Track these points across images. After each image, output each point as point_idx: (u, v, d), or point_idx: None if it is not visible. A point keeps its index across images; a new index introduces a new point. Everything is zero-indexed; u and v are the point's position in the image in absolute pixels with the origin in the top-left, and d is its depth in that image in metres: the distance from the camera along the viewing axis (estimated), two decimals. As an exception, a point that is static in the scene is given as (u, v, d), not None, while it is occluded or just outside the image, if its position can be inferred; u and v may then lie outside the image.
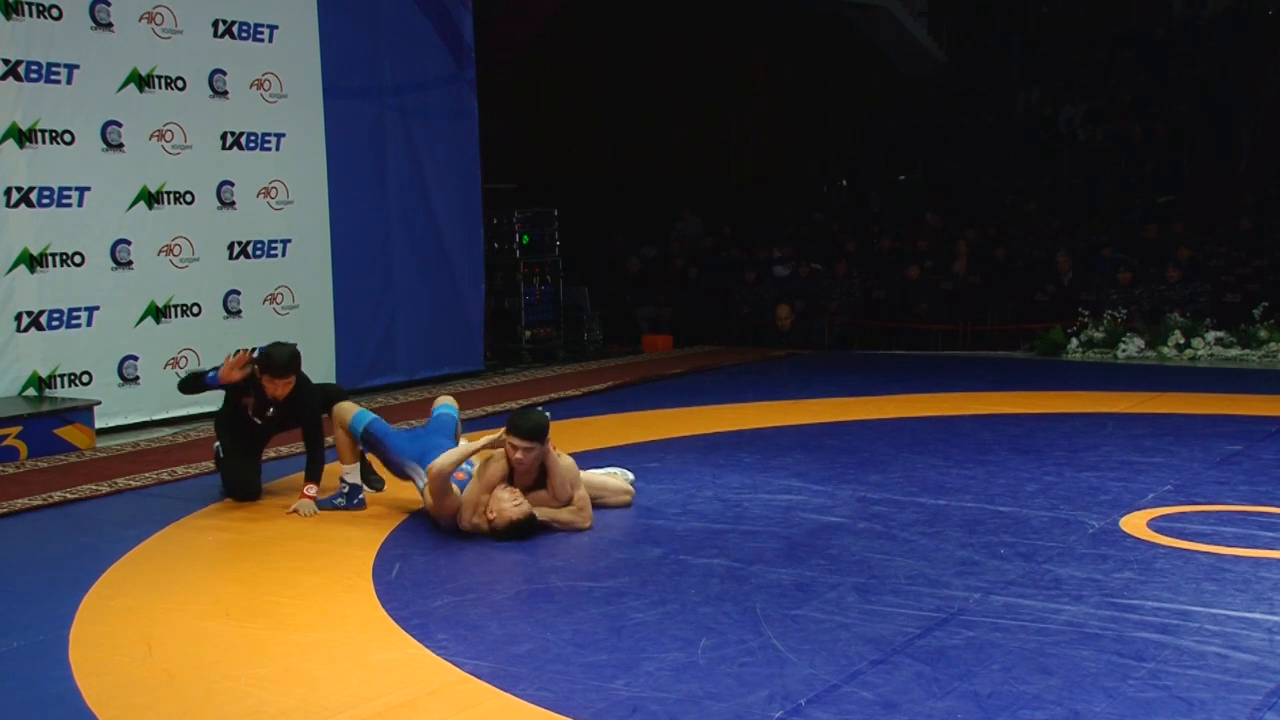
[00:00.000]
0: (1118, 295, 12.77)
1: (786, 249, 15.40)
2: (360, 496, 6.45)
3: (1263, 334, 11.60)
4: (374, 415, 6.39)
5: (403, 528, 6.05)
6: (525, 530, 5.69)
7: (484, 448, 5.85)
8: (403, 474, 6.23)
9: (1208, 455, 7.20)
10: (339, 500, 6.41)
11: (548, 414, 6.02)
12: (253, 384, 6.57)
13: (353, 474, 6.44)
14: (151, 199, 9.24)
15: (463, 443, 6.13)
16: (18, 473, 7.57)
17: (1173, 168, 15.88)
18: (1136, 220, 14.72)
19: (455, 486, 5.82)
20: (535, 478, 5.90)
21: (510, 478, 5.83)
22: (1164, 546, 5.38)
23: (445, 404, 6.58)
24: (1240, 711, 3.65)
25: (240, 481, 6.70)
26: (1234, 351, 11.55)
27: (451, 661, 4.19)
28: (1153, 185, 15.69)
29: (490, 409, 9.54)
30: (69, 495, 6.89)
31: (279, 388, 6.47)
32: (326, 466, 6.57)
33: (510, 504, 5.69)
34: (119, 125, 9.01)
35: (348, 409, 6.42)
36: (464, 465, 5.89)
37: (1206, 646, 4.17)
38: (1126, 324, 12.19)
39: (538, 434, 5.78)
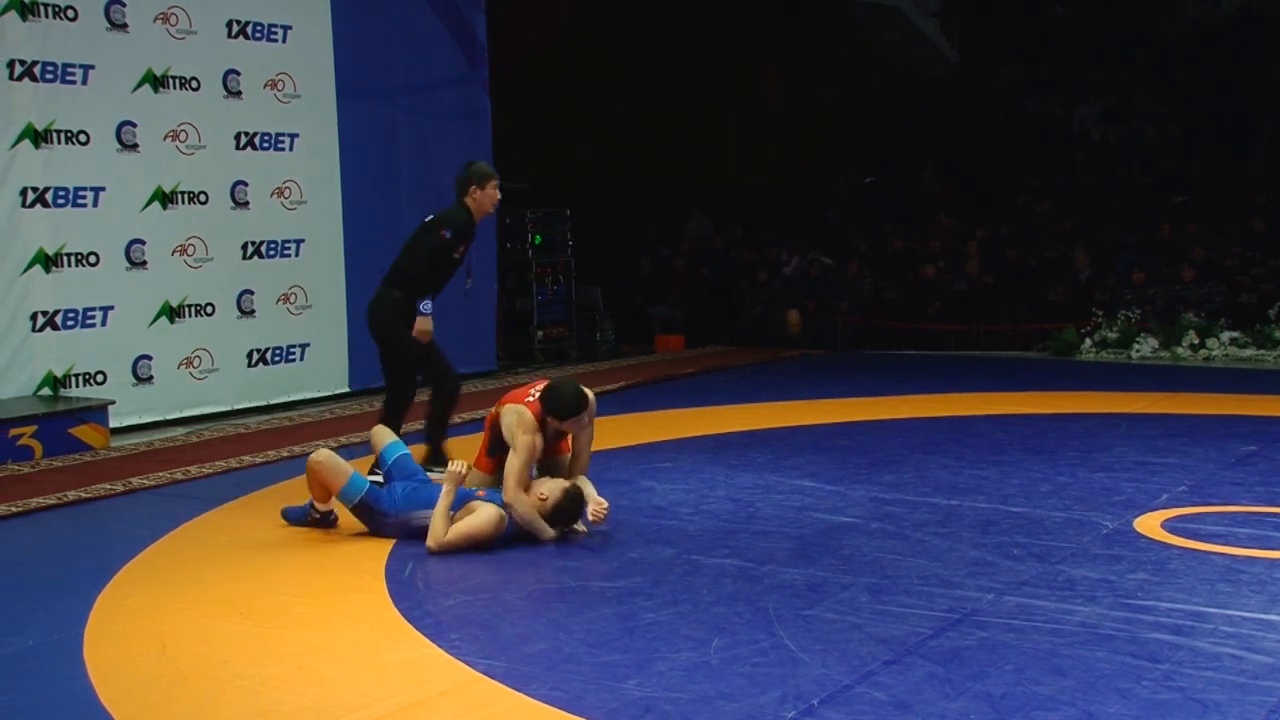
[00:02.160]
0: (1132, 295, 12.73)
1: (796, 250, 15.39)
2: (318, 515, 6.07)
3: (1278, 334, 11.56)
4: (369, 481, 5.85)
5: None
6: (578, 499, 5.63)
7: (450, 485, 5.58)
8: (411, 529, 5.69)
9: (1222, 456, 7.17)
10: (297, 515, 6.10)
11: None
12: (466, 225, 6.88)
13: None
14: (166, 199, 9.27)
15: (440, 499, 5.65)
16: (33, 472, 7.60)
17: (1186, 168, 15.81)
18: (1150, 220, 14.66)
19: (475, 504, 5.63)
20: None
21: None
22: (1178, 547, 5.36)
23: (393, 442, 6.13)
24: (1255, 713, 3.63)
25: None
26: (1249, 352, 11.51)
27: (464, 661, 4.19)
28: (1166, 185, 15.62)
29: (502, 409, 9.54)
30: (83, 494, 6.92)
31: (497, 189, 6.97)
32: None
33: (551, 484, 5.67)
34: (134, 125, 9.05)
35: (342, 474, 5.81)
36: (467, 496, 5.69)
37: (1221, 648, 4.15)
38: (1140, 324, 12.15)
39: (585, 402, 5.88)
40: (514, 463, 5.65)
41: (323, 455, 5.85)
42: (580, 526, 5.81)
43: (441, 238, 6.78)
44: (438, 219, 6.95)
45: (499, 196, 7.00)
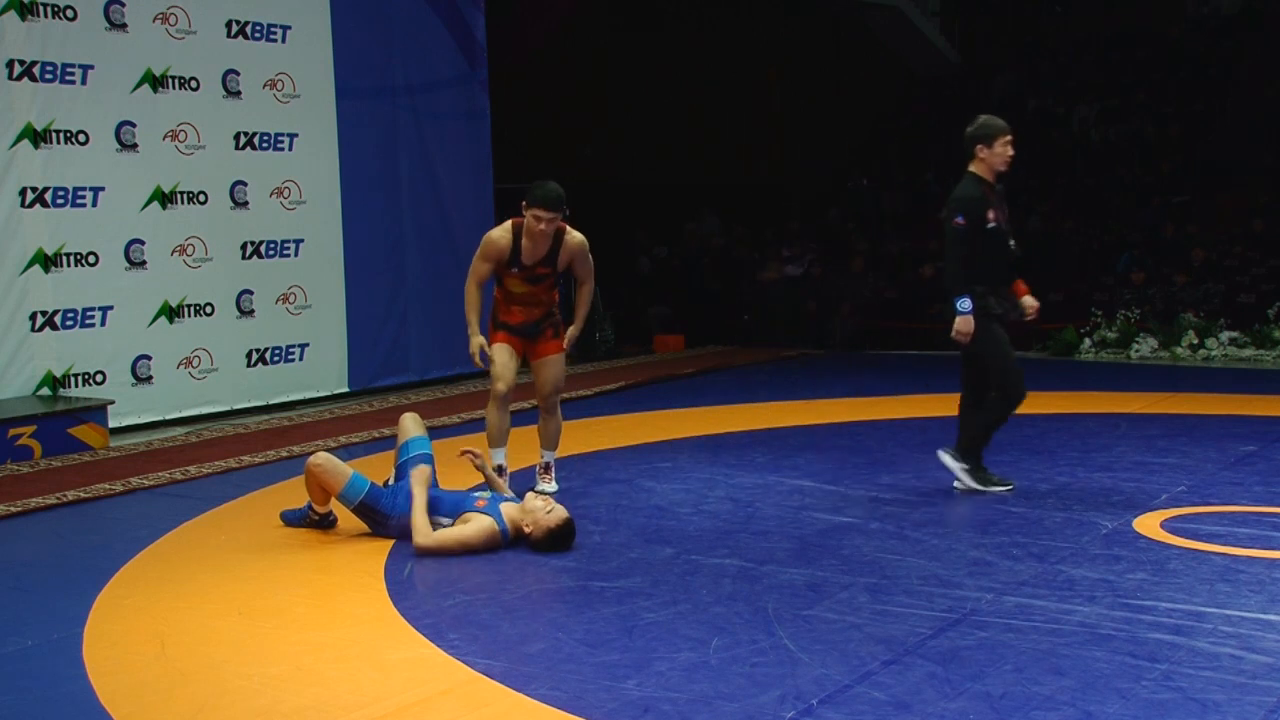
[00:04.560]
0: (1131, 295, 12.73)
1: (796, 248, 15.39)
2: (317, 517, 6.04)
3: (1277, 334, 11.56)
4: (369, 482, 5.80)
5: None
6: (566, 537, 5.51)
7: (418, 487, 5.63)
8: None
9: (1222, 456, 7.17)
10: (295, 517, 6.09)
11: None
12: (973, 200, 6.26)
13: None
14: (165, 199, 9.27)
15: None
16: (32, 472, 7.60)
17: (1187, 168, 15.82)
18: (1152, 220, 14.67)
19: (471, 515, 5.61)
20: (548, 249, 6.39)
21: (518, 253, 6.36)
22: (1177, 547, 5.36)
23: (418, 437, 6.01)
24: (1254, 713, 3.63)
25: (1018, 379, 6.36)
26: (1248, 352, 11.52)
27: (463, 661, 4.19)
28: (1167, 185, 15.64)
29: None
30: (83, 494, 6.92)
31: (1009, 145, 6.32)
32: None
33: (544, 512, 5.50)
34: (133, 125, 9.05)
35: (342, 476, 5.77)
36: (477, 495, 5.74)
37: (1220, 648, 4.15)
38: (1140, 324, 12.15)
39: (559, 203, 6.22)
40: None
41: (321, 458, 5.82)
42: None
43: (955, 227, 6.26)
44: (947, 204, 6.38)
45: (1010, 154, 6.29)
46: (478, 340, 6.51)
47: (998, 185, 6.37)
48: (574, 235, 6.48)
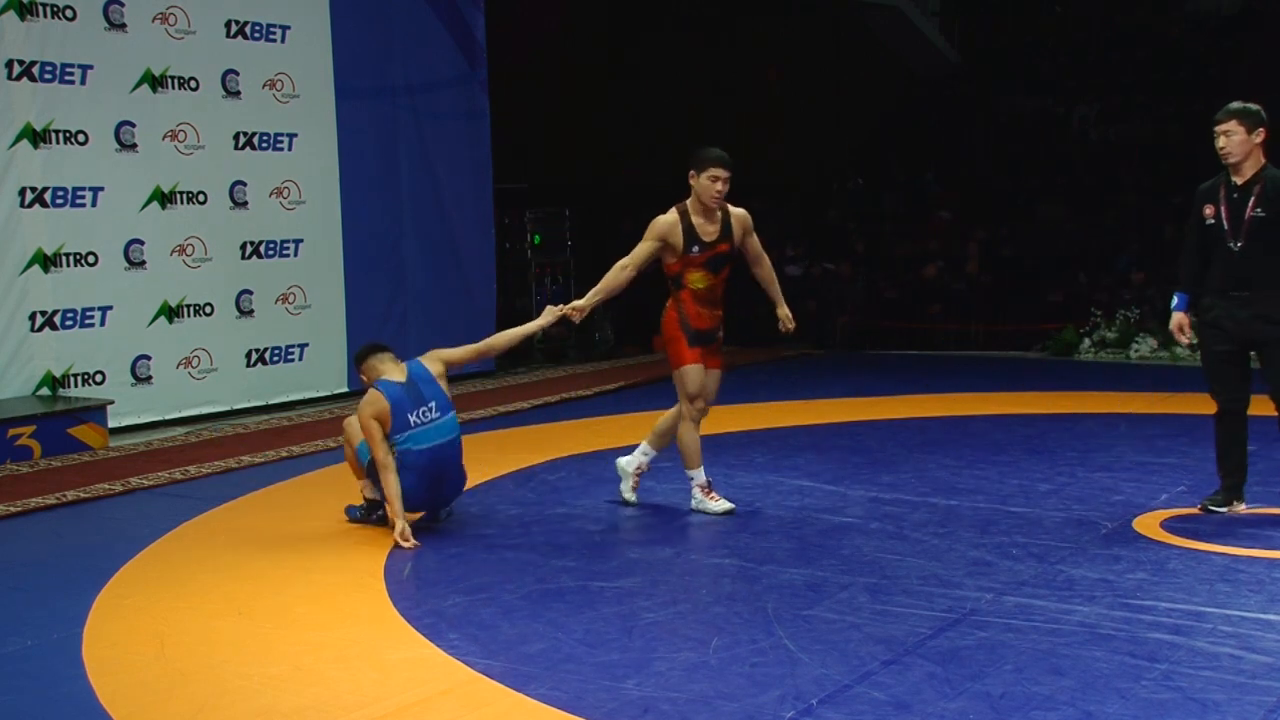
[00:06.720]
0: (1131, 295, 12.73)
1: (798, 248, 15.39)
2: (380, 512, 6.07)
3: (1277, 334, 11.55)
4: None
5: (414, 527, 6.04)
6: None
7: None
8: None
9: (1221, 456, 7.16)
10: (357, 514, 6.19)
11: None
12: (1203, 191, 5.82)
13: (370, 490, 6.11)
14: (164, 199, 9.27)
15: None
16: (32, 472, 7.60)
17: (1188, 167, 15.81)
18: (1152, 221, 14.66)
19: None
20: (720, 223, 6.17)
21: (693, 232, 6.09)
22: (1177, 547, 5.37)
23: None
24: (1254, 713, 3.63)
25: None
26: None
27: (463, 661, 4.19)
28: (1168, 185, 15.63)
29: (501, 409, 9.55)
30: (82, 494, 6.92)
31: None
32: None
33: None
34: (132, 125, 9.04)
35: (357, 433, 6.02)
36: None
37: (1220, 648, 4.15)
38: (1139, 324, 12.15)
39: (730, 163, 6.16)
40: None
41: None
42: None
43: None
44: None
45: (1218, 144, 5.81)
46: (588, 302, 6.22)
47: (1242, 179, 5.73)
48: (737, 208, 6.22)
